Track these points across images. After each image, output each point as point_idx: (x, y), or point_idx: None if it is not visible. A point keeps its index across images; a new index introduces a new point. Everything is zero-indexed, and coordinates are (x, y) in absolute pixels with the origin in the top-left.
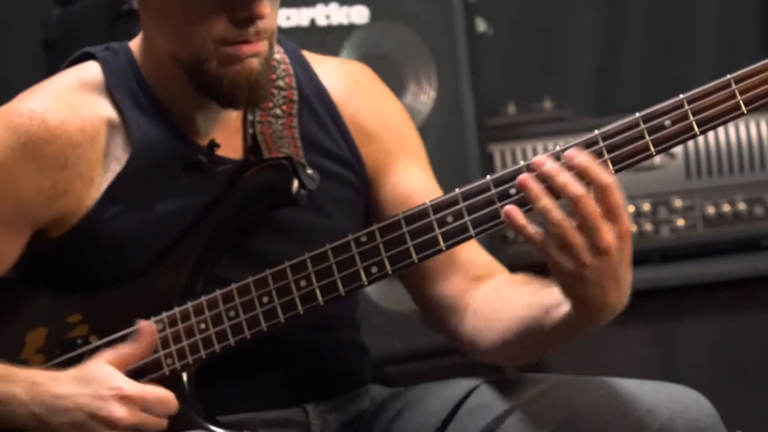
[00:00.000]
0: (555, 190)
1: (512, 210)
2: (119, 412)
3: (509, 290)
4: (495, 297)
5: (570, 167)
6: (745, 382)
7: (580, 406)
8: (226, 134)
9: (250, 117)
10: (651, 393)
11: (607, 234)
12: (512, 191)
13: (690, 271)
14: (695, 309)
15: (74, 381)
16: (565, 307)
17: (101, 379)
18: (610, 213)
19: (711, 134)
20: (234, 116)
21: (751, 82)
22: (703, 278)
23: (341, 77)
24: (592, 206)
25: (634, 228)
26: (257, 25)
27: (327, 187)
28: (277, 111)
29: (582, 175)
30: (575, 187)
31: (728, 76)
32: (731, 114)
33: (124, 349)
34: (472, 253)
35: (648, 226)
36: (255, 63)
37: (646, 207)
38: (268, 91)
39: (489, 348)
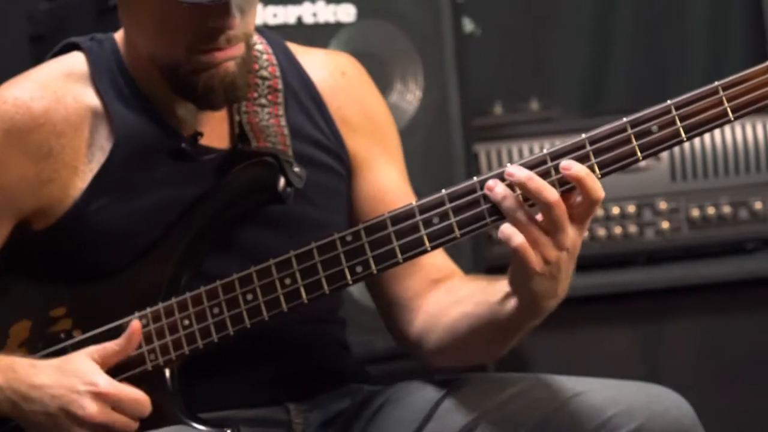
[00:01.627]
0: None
1: (493, 185)
2: (90, 408)
3: (458, 290)
4: (446, 297)
5: (569, 176)
6: (729, 384)
7: (557, 405)
8: (211, 124)
9: (236, 105)
10: (629, 394)
11: (570, 235)
12: None
13: (674, 273)
14: (679, 311)
15: (52, 371)
16: (512, 301)
17: (79, 372)
18: (583, 219)
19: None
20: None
21: (739, 89)
22: (688, 281)
23: (328, 69)
24: (562, 212)
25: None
26: (228, 34)
27: (315, 177)
28: (263, 101)
29: (578, 183)
30: (549, 193)
31: (716, 83)
32: (718, 121)
33: (109, 347)
34: (435, 258)
35: (633, 228)
36: (230, 65)
37: (631, 209)
38: (246, 89)
39: (435, 347)
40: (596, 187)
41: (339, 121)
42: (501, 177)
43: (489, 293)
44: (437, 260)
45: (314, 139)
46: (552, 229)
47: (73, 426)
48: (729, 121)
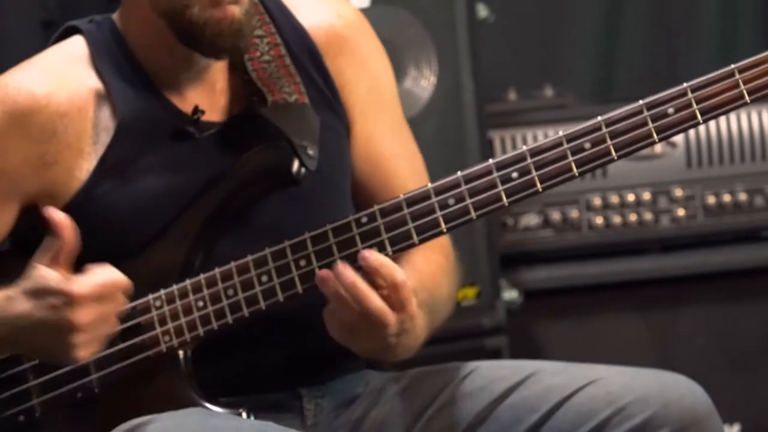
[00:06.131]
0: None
1: (325, 275)
2: (78, 315)
3: None
4: None
5: (365, 266)
6: (743, 372)
7: (571, 392)
8: (212, 98)
9: (242, 65)
10: (644, 381)
11: (372, 308)
12: (514, 175)
13: (690, 261)
14: (694, 299)
15: (27, 296)
16: None
17: (47, 288)
18: (398, 305)
19: (712, 124)
20: (220, 78)
21: (755, 72)
22: (703, 268)
23: (323, 13)
24: (379, 300)
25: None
26: None
27: (320, 138)
28: (266, 57)
29: (376, 273)
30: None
31: (732, 66)
32: (734, 103)
33: (51, 243)
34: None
35: (648, 216)
36: (236, 10)
37: (647, 196)
38: (250, 40)
39: None
40: (393, 270)
41: (335, 72)
42: (517, 159)
43: None
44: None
45: (313, 98)
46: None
47: (72, 336)
48: (745, 104)
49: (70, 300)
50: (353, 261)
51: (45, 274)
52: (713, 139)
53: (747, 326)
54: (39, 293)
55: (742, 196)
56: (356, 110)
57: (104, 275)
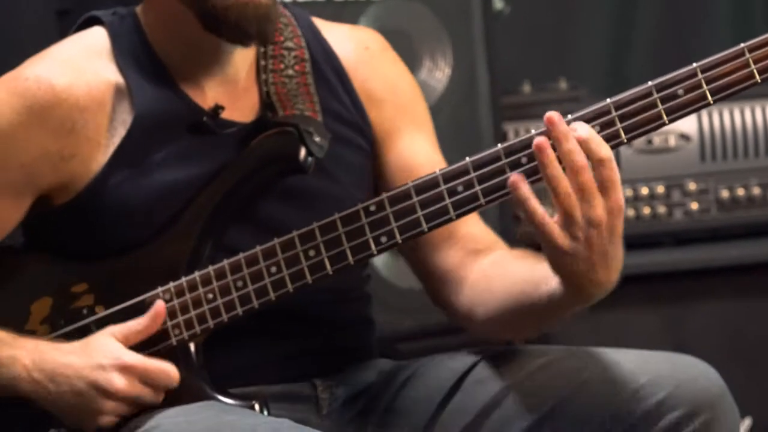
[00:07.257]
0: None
1: (518, 180)
2: (118, 381)
3: (506, 264)
4: (491, 271)
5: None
6: (755, 367)
7: (585, 377)
8: (233, 97)
9: (263, 76)
10: (657, 363)
11: (599, 207)
12: (523, 160)
13: (703, 254)
14: (707, 293)
15: (77, 351)
16: (552, 282)
17: (103, 349)
18: (604, 186)
19: (726, 117)
20: (242, 79)
21: (765, 51)
22: (716, 262)
23: (352, 43)
24: (590, 178)
25: (631, 211)
26: None
27: (337, 151)
28: (290, 72)
29: (581, 146)
30: (580, 156)
31: (741, 45)
32: (745, 83)
33: (132, 326)
34: (474, 227)
35: (661, 209)
36: None
37: (660, 189)
38: (274, 30)
39: (484, 321)
40: (599, 144)
41: (363, 96)
42: (526, 144)
43: (534, 271)
44: (476, 230)
45: (337, 113)
46: (580, 198)
47: (102, 400)
48: (756, 83)
49: (119, 364)
50: (363, 250)
51: (110, 342)
52: (727, 133)
53: (759, 320)
54: (93, 352)
55: (756, 190)
56: (386, 129)
57: (160, 362)
